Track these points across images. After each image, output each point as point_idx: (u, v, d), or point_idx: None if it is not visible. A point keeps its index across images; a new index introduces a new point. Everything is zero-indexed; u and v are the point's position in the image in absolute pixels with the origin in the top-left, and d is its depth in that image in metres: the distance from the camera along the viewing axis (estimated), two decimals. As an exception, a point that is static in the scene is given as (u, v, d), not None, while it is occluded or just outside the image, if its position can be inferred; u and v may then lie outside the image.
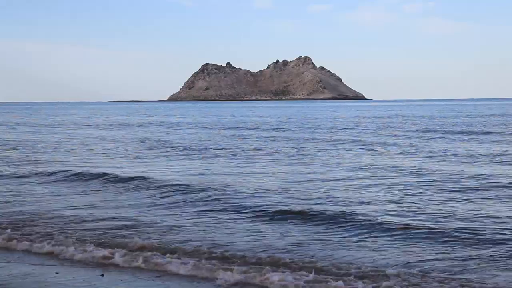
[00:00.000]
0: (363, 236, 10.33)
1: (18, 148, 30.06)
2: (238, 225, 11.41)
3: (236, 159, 23.62)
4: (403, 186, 15.67)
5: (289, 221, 11.58)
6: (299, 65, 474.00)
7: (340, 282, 7.78)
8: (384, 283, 7.73)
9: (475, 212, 12.07)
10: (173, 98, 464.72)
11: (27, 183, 17.29)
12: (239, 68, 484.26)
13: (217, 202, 13.56)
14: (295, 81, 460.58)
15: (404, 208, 12.57)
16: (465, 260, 8.86)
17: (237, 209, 12.72)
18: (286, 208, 12.61)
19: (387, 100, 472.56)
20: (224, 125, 54.68)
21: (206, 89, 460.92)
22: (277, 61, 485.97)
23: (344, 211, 12.23)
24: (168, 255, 9.21)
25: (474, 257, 8.97)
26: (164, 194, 14.84)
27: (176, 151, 27.30)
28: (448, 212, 12.12)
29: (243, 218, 11.97)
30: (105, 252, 9.37)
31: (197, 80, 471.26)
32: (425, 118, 66.59)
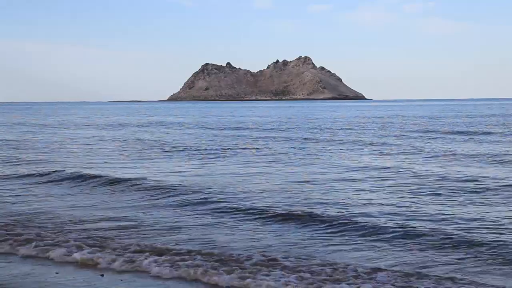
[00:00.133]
0: (362, 237, 10.33)
1: (18, 148, 30.06)
2: (237, 226, 11.40)
3: (236, 159, 23.63)
4: (403, 187, 15.68)
5: (288, 222, 11.55)
6: (299, 65, 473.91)
7: (340, 284, 7.78)
8: (380, 284, 7.73)
9: (475, 214, 12.07)
10: (173, 98, 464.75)
11: (26, 184, 17.28)
12: (239, 68, 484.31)
13: (216, 202, 13.55)
14: (295, 81, 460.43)
15: (403, 210, 12.57)
16: (463, 261, 8.87)
17: (237, 210, 12.69)
18: (285, 209, 12.61)
19: (387, 100, 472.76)
20: (224, 125, 54.68)
21: (206, 89, 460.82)
22: (277, 61, 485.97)
23: (343, 212, 12.24)
24: (156, 257, 9.13)
25: (472, 259, 8.97)
26: (164, 195, 14.82)
27: (176, 152, 27.29)
28: (446, 213, 12.12)
29: (243, 219, 11.95)
30: (87, 255, 9.25)
31: (197, 80, 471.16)
32: (425, 118, 66.59)
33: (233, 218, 12.03)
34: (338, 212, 12.28)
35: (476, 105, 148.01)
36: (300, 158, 23.64)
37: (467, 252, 9.27)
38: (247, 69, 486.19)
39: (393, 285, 7.74)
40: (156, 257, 9.10)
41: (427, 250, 9.49)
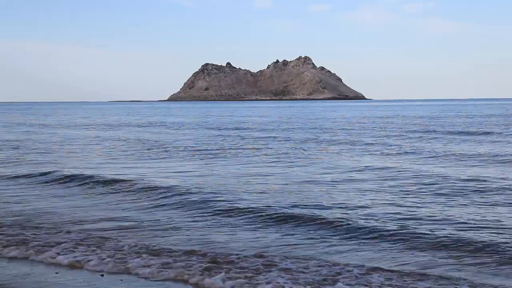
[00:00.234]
0: (359, 239, 10.30)
1: (18, 148, 30.04)
2: (237, 227, 11.39)
3: (236, 159, 23.62)
4: (403, 187, 15.66)
5: (288, 223, 11.52)
6: (299, 65, 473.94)
7: (337, 284, 7.78)
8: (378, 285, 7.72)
9: (474, 215, 12.07)
10: (173, 98, 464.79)
11: (25, 184, 17.28)
12: (239, 68, 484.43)
13: (216, 203, 13.52)
14: (295, 81, 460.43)
15: (404, 210, 12.56)
16: (463, 262, 8.86)
17: (237, 211, 12.66)
18: (285, 210, 12.60)
19: (387, 100, 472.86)
20: (224, 125, 54.66)
21: (206, 89, 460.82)
22: (277, 61, 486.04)
23: (343, 213, 12.23)
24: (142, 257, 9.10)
25: (468, 261, 8.95)
26: (164, 196, 14.79)
27: (176, 152, 27.28)
28: (445, 215, 12.10)
29: (242, 220, 11.93)
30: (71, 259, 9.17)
31: (197, 80, 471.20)
32: (425, 118, 66.58)
33: (233, 219, 12.01)
34: (338, 213, 12.27)
35: (476, 105, 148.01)
36: (300, 159, 23.62)
37: (467, 253, 9.25)
38: (247, 69, 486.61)
39: (391, 286, 7.73)
40: (149, 258, 9.03)
41: (427, 250, 9.46)
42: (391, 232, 10.47)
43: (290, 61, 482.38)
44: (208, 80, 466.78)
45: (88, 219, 12.16)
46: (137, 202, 14.09)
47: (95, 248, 9.67)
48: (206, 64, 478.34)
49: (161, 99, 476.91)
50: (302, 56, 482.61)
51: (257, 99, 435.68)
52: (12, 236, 10.55)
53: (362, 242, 10.05)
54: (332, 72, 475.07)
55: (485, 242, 9.71)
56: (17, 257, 9.41)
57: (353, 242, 10.09)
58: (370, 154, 25.23)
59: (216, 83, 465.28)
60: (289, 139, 34.87)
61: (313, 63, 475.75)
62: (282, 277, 8.06)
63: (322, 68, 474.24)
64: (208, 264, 8.69)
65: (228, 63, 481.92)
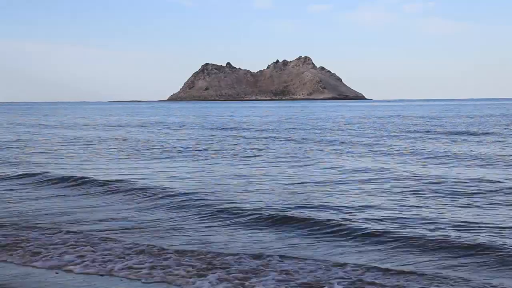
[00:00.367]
0: (359, 239, 10.30)
1: (18, 148, 30.06)
2: (236, 228, 11.39)
3: (236, 160, 23.62)
4: (403, 188, 15.67)
5: (288, 224, 11.48)
6: (299, 65, 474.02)
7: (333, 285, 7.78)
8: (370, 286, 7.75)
9: (474, 216, 12.08)
10: (173, 98, 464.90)
11: (25, 184, 17.29)
12: (239, 68, 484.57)
13: (216, 204, 13.50)
14: (295, 81, 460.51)
15: (403, 211, 12.57)
16: (460, 263, 8.87)
17: (236, 211, 12.64)
18: (285, 211, 12.59)
19: (387, 100, 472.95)
20: (224, 125, 54.67)
21: (206, 89, 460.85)
22: (277, 61, 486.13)
23: (343, 215, 12.23)
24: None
25: (468, 261, 8.96)
26: (163, 196, 14.75)
27: (176, 152, 27.28)
28: (445, 215, 12.11)
29: (242, 220, 11.92)
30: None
31: (197, 80, 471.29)
32: (425, 118, 66.59)
33: (232, 219, 12.01)
34: (338, 214, 12.27)
35: (476, 105, 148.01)
36: (300, 159, 23.62)
37: (467, 252, 9.26)
38: (247, 69, 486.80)
39: (388, 285, 7.74)
40: (139, 259, 8.99)
41: (427, 250, 9.46)
42: (390, 233, 10.47)
43: (290, 61, 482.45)
44: (208, 80, 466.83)
45: (87, 219, 12.15)
46: (137, 203, 14.09)
47: (88, 249, 9.63)
48: (206, 64, 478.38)
49: (161, 99, 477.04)
50: (302, 56, 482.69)
51: (257, 99, 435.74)
52: (6, 237, 10.53)
53: (362, 242, 10.05)
54: (332, 72, 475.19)
55: (485, 242, 9.71)
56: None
57: (353, 242, 10.09)
58: (371, 154, 25.22)
59: (216, 83, 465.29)
60: (289, 139, 34.87)
61: (313, 63, 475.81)
62: (277, 279, 8.01)
63: (322, 68, 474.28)
64: (203, 266, 8.63)
65: (228, 63, 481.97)
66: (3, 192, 15.82)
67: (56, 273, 8.61)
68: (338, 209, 12.65)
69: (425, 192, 14.77)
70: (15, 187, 16.78)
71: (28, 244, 9.96)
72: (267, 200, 13.83)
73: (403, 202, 13.46)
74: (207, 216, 12.38)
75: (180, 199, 14.16)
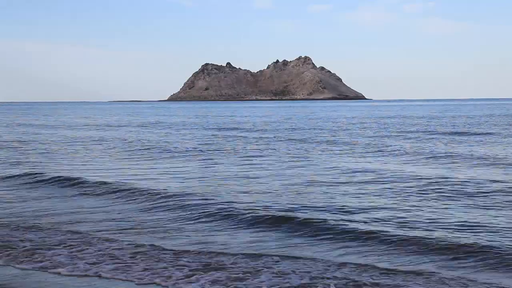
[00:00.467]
0: (359, 239, 10.27)
1: (17, 148, 30.04)
2: (236, 229, 11.37)
3: (236, 160, 23.60)
4: (402, 189, 15.65)
5: (288, 224, 11.45)
6: (299, 65, 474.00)
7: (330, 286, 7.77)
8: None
9: (474, 216, 12.06)
10: (173, 98, 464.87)
11: (24, 184, 17.28)
12: (239, 68, 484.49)
13: (215, 204, 13.48)
14: (295, 81, 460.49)
15: (403, 212, 12.55)
16: (459, 263, 8.86)
17: (236, 212, 12.62)
18: (285, 211, 12.59)
19: (387, 100, 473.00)
20: (224, 125, 54.66)
21: (206, 89, 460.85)
22: (277, 61, 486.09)
23: (343, 216, 12.23)
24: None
25: (468, 261, 8.96)
26: (162, 196, 14.72)
27: (176, 153, 27.27)
28: (443, 217, 12.10)
29: (242, 221, 11.89)
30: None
31: (197, 80, 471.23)
32: (425, 118, 66.58)
33: (232, 220, 11.98)
34: (338, 214, 12.26)
35: (476, 105, 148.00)
36: (300, 159, 23.60)
37: (466, 253, 9.25)
38: (247, 69, 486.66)
39: (386, 285, 7.73)
40: (137, 260, 8.95)
41: (426, 250, 9.43)
42: (389, 233, 10.45)
43: (290, 61, 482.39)
44: (208, 80, 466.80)
45: (86, 220, 12.14)
46: (137, 203, 14.08)
47: (86, 250, 9.61)
48: (206, 64, 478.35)
49: (161, 99, 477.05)
50: (302, 56, 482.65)
51: (257, 99, 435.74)
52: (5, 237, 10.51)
53: (362, 243, 10.03)
54: (332, 72, 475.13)
55: (485, 242, 9.70)
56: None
57: (353, 242, 10.07)
58: (371, 154, 25.21)
59: (216, 83, 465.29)
60: (289, 139, 34.86)
61: (313, 63, 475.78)
62: (272, 281, 7.97)
63: (322, 68, 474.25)
64: (199, 267, 8.59)
65: (228, 63, 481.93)
66: (2, 192, 15.81)
67: (56, 273, 8.61)
68: (338, 209, 12.64)
69: (425, 192, 14.76)
70: (14, 187, 16.78)
71: (27, 244, 9.96)
72: (266, 200, 13.82)
73: (403, 202, 13.45)
74: (206, 216, 12.36)
75: (180, 199, 14.14)
